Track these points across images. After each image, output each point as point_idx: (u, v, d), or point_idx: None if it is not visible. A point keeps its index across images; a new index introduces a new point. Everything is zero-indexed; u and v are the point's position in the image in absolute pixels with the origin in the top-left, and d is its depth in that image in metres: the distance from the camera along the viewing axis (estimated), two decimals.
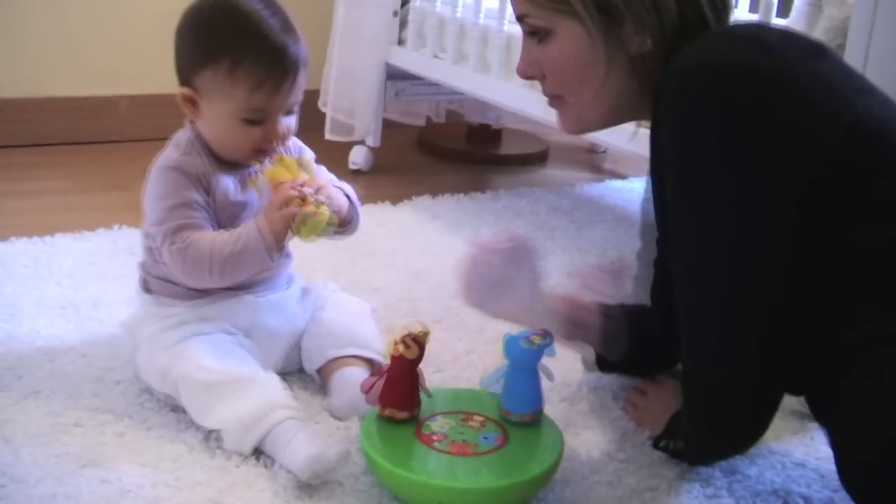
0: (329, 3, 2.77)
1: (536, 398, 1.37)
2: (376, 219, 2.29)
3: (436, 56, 2.59)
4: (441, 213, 2.41)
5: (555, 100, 1.31)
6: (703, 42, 1.17)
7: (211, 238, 1.43)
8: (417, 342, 1.33)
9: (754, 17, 1.79)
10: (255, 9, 1.44)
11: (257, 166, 1.47)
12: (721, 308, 1.16)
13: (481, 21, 2.43)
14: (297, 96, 1.47)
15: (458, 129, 3.20)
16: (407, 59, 2.70)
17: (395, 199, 2.48)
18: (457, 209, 2.46)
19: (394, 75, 2.77)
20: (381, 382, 1.35)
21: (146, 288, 1.53)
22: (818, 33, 1.72)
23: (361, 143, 2.79)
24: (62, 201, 2.37)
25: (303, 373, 1.58)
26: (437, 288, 1.97)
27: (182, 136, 1.50)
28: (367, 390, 1.37)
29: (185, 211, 1.44)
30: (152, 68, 2.91)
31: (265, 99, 1.43)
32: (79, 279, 1.88)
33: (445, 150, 3.08)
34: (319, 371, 1.53)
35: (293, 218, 1.39)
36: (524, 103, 2.28)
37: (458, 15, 2.51)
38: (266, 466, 1.34)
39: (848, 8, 1.65)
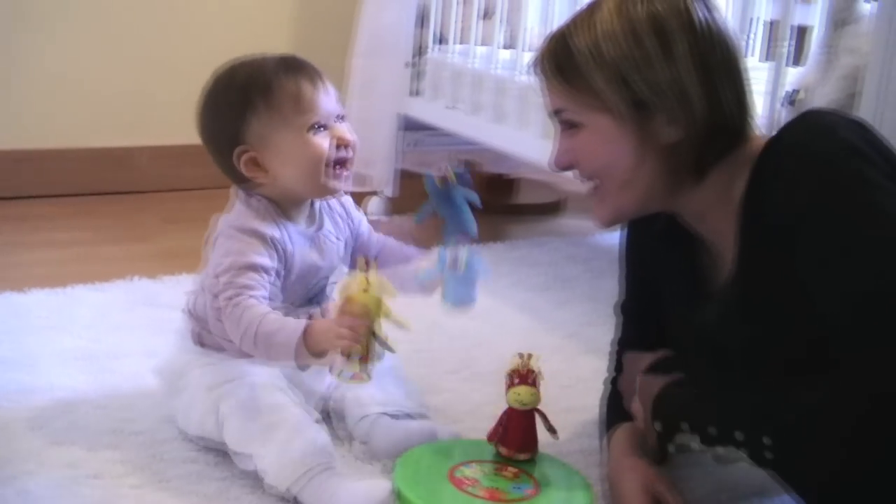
0: (344, 55, 2.80)
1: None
2: None
3: (451, 107, 2.61)
4: None
5: (592, 190, 1.34)
6: (803, 121, 1.23)
7: (264, 311, 1.41)
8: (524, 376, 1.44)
9: (766, 66, 1.80)
10: (255, 57, 1.52)
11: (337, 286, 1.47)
12: None
13: (497, 72, 2.45)
14: (337, 99, 1.51)
15: (474, 178, 3.21)
16: (423, 110, 2.72)
17: None
18: None
19: (410, 126, 2.78)
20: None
21: (200, 342, 1.53)
22: (832, 81, 1.73)
23: (377, 193, 2.80)
24: (82, 252, 2.39)
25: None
26: (454, 339, 1.97)
27: (248, 199, 1.50)
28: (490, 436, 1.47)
29: (252, 274, 1.44)
30: (173, 120, 2.93)
31: (311, 102, 1.47)
32: (96, 330, 1.89)
33: None
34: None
35: (342, 351, 1.37)
36: (540, 153, 2.28)
37: (474, 66, 2.53)
38: None
39: (862, 57, 1.65)
